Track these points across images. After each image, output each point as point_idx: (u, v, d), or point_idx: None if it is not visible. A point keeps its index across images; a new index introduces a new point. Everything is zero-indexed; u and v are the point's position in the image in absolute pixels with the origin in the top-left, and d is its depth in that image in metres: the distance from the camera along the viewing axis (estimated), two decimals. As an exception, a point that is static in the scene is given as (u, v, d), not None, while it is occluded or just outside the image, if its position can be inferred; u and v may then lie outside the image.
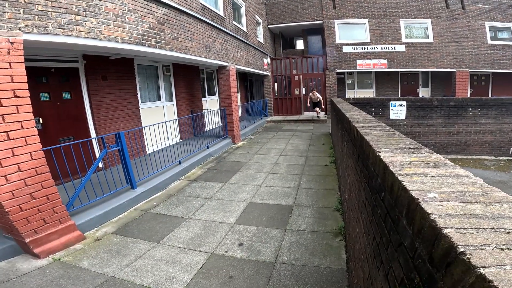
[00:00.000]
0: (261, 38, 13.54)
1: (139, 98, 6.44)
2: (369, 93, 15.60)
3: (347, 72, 15.02)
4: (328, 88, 14.28)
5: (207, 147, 7.16)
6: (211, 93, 10.59)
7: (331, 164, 6.06)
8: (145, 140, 6.10)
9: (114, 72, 5.69)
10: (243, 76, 14.30)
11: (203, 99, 9.60)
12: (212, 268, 2.76)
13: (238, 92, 12.19)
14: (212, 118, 8.76)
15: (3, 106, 2.69)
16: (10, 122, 2.75)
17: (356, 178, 2.04)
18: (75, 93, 5.00)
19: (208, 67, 9.85)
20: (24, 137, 2.88)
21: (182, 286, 2.52)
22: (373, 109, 11.07)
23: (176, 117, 7.74)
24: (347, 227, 2.86)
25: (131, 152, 5.08)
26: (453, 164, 1.08)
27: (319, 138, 9.32)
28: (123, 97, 5.93)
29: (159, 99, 7.34)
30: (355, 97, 14.68)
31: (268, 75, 14.61)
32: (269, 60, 14.43)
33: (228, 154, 7.41)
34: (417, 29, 13.56)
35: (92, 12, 3.62)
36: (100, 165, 4.85)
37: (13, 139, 2.78)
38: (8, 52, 2.74)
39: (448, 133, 10.68)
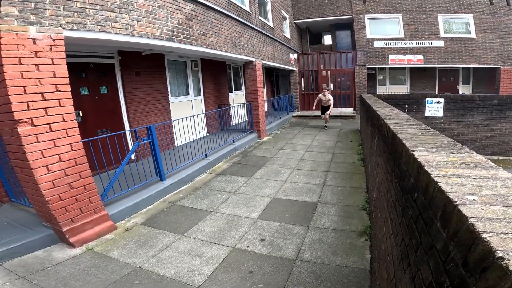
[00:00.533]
0: (287, 33, 13.38)
1: (169, 93, 6.65)
2: (403, 89, 14.87)
3: (379, 67, 14.43)
4: (358, 84, 13.83)
5: (233, 141, 7.26)
6: (238, 88, 10.69)
7: (359, 162, 5.89)
8: (174, 133, 6.32)
9: (146, 68, 5.92)
10: (269, 71, 14.26)
11: (229, 94, 9.73)
12: (233, 262, 2.80)
13: (264, 87, 12.18)
14: (238, 112, 8.85)
15: (46, 99, 2.84)
16: (53, 115, 2.90)
17: (386, 177, 1.97)
18: (111, 87, 5.27)
19: (235, 62, 9.94)
20: (65, 129, 3.03)
21: (203, 279, 2.57)
22: (406, 106, 10.57)
23: (204, 111, 7.91)
24: (374, 227, 2.77)
25: (160, 144, 5.26)
26: (495, 165, 1.01)
27: (347, 134, 9.07)
28: (155, 91, 6.16)
29: (188, 94, 7.54)
30: (387, 93, 14.10)
31: (294, 70, 14.44)
32: (295, 55, 14.24)
33: (253, 149, 7.45)
34: (457, 24, 12.74)
35: (126, 8, 3.75)
36: (133, 157, 5.08)
37: (55, 131, 2.94)
38: (50, 49, 2.88)
39: (490, 132, 9.93)
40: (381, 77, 15.28)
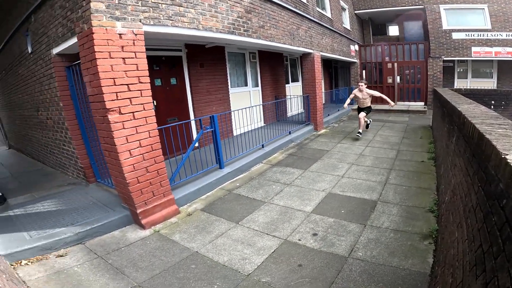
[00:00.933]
0: (347, 24, 12.80)
1: (229, 84, 6.98)
2: (488, 83, 13.02)
3: (458, 60, 12.85)
4: (431, 77, 12.62)
5: (289, 133, 7.29)
6: (294, 80, 10.68)
7: (429, 161, 5.38)
8: (232, 123, 6.60)
9: (209, 60, 6.27)
10: (327, 63, 13.87)
11: (286, 85, 9.77)
12: (283, 254, 2.82)
13: (322, 79, 11.88)
14: (294, 104, 8.82)
15: (131, 90, 3.15)
16: (136, 104, 3.22)
17: (465, 180, 1.82)
18: (179, 78, 5.74)
19: (292, 54, 9.92)
20: (145, 117, 3.32)
21: (253, 267, 2.64)
22: (492, 102, 9.30)
23: (261, 102, 8.11)
24: (442, 230, 2.56)
25: (221, 133, 5.55)
26: None
27: (415, 130, 8.32)
28: (216, 82, 6.52)
29: (246, 85, 7.80)
30: (468, 87, 12.52)
31: (355, 62, 13.83)
32: (356, 46, 13.58)
33: (309, 141, 7.37)
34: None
35: (192, 3, 3.93)
36: (196, 144, 5.47)
37: (137, 118, 3.24)
38: (133, 43, 3.15)
39: None
40: (460, 70, 13.64)
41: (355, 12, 14.33)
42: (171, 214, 3.66)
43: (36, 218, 3.48)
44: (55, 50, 3.90)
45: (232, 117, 6.59)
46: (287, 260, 2.72)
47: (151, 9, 3.38)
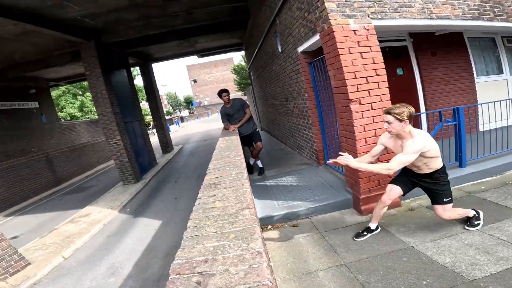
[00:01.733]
0: None
1: (474, 72, 6.17)
2: None
3: None
4: None
5: None
6: None
7: None
8: (478, 117, 5.74)
9: (442, 47, 5.87)
10: None
11: None
12: None
13: None
14: None
15: (369, 82, 3.52)
16: (373, 96, 3.56)
17: None
18: (407, 69, 5.81)
19: None
20: (382, 108, 3.50)
21: (482, 274, 2.38)
22: None
23: (526, 92, 6.38)
24: None
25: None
26: None
27: None
28: (454, 71, 5.98)
29: (501, 72, 6.55)
30: None
31: None
32: None
33: None
34: None
35: None
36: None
37: (374, 109, 3.58)
38: (367, 38, 3.48)
39: None
40: None
41: None
42: (392, 206, 3.75)
43: (282, 190, 4.68)
44: (300, 49, 4.94)
45: (480, 110, 5.60)
46: (540, 277, 2.27)
47: (375, 3, 3.63)
